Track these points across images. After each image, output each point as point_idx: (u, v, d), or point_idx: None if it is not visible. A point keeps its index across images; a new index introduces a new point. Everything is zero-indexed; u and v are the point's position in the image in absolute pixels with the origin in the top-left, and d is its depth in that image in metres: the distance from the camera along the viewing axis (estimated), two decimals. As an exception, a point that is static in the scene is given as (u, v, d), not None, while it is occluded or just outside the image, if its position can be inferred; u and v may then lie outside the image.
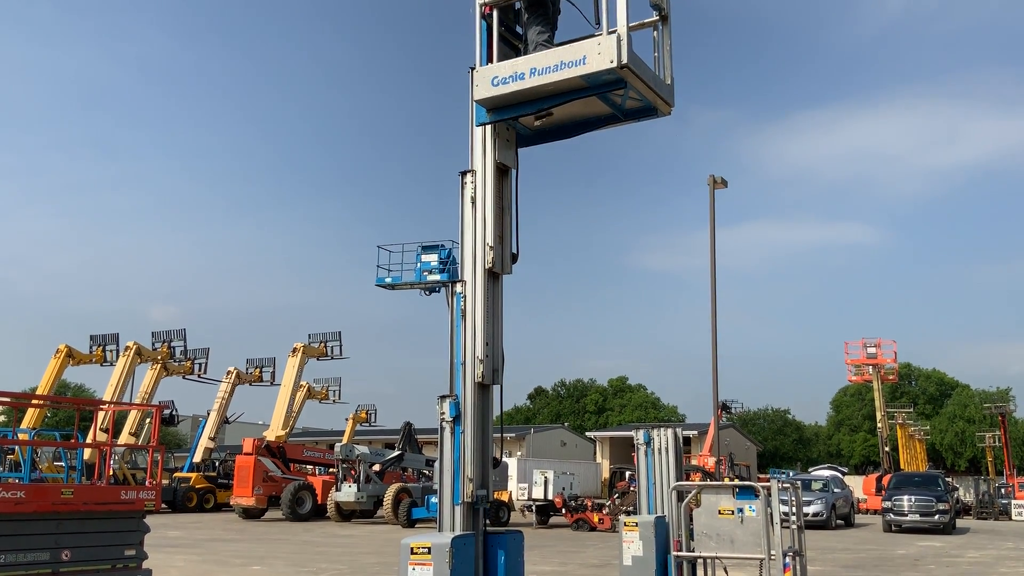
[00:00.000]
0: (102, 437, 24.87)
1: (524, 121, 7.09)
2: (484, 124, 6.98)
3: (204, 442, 40.06)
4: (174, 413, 39.99)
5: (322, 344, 41.23)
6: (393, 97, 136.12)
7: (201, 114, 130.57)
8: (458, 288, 7.01)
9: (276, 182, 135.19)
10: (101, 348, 38.23)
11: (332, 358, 41.91)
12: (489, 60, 6.94)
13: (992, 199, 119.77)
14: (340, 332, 41.95)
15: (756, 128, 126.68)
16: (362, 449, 31.64)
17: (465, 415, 6.69)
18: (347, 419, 52.83)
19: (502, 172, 7.13)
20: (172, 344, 40.19)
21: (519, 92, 6.64)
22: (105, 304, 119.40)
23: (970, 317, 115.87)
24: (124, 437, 36.01)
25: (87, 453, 21.87)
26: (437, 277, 29.08)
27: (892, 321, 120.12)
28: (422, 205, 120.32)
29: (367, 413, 53.66)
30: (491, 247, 6.81)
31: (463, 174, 7.16)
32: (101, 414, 23.65)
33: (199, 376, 41.40)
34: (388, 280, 29.62)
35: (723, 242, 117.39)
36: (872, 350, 50.73)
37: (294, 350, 39.34)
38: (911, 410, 60.81)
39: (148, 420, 36.52)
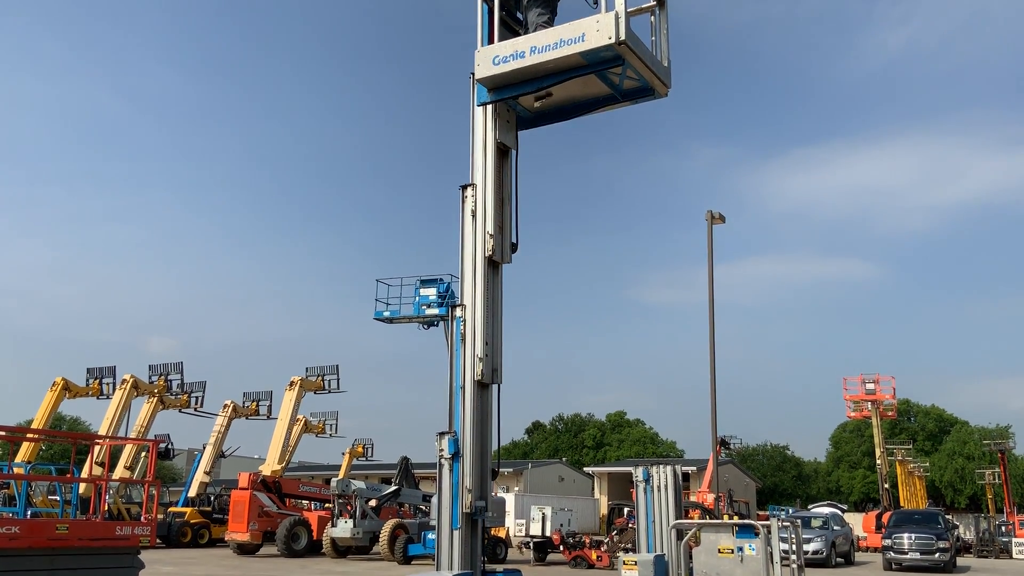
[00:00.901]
0: (98, 471, 24.77)
1: (524, 103, 7.16)
2: (485, 104, 7.03)
3: (199, 476, 39.75)
4: (170, 447, 39.74)
5: (319, 378, 41.06)
6: (391, 128, 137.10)
7: (197, 146, 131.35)
8: (458, 312, 7.01)
9: (274, 214, 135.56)
10: (98, 381, 38.07)
11: (329, 392, 41.71)
12: (490, 42, 7.03)
13: (992, 236, 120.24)
14: (337, 366, 41.78)
15: (757, 164, 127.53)
16: (358, 484, 31.41)
17: (464, 417, 6.66)
18: (344, 453, 52.48)
19: (502, 153, 7.16)
20: (169, 377, 40.04)
21: (520, 70, 6.72)
22: (103, 336, 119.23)
23: (969, 353, 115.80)
24: (119, 471, 35.74)
25: (82, 487, 21.72)
26: (435, 311, 29.13)
27: (891, 357, 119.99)
28: (421, 238, 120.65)
29: (364, 447, 53.31)
30: (491, 235, 6.83)
31: (463, 188, 7.21)
32: (97, 448, 23.59)
33: (195, 410, 41.20)
34: (387, 314, 29.65)
35: (723, 277, 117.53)
36: (871, 386, 50.60)
37: (291, 384, 39.18)
38: (910, 446, 60.53)
39: (144, 454, 36.30)
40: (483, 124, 7.16)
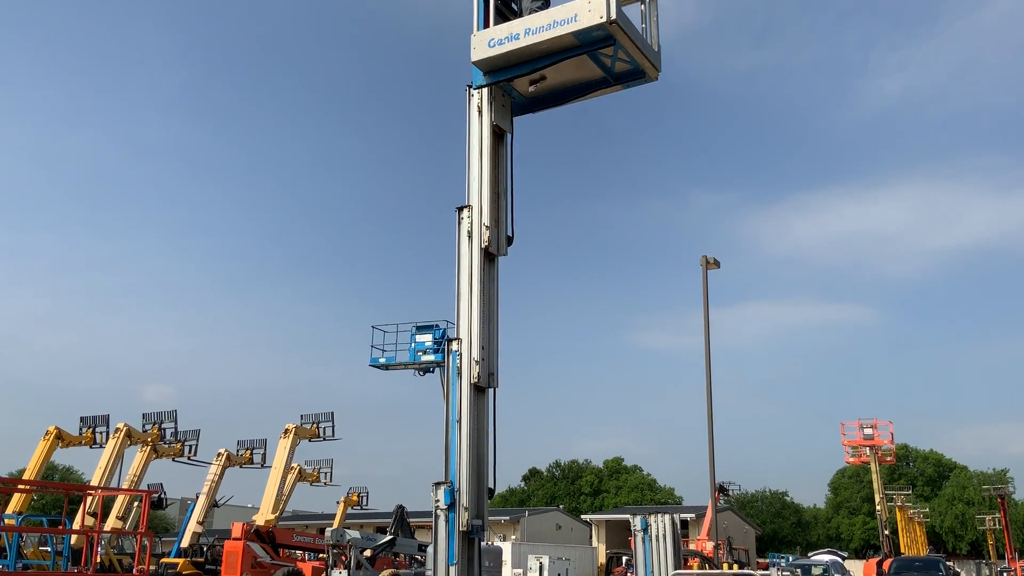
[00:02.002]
0: (90, 522, 24.48)
1: (519, 88, 7.26)
2: (480, 87, 7.12)
3: (192, 526, 39.22)
4: (162, 496, 39.31)
5: (314, 425, 40.74)
6: (384, 173, 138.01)
7: (190, 193, 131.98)
8: (454, 347, 7.00)
9: (268, 260, 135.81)
10: (91, 430, 37.73)
11: (324, 439, 41.38)
12: (486, 27, 7.15)
13: (989, 281, 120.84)
14: (333, 413, 41.52)
15: (755, 209, 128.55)
16: (353, 534, 31.01)
17: (461, 423, 6.59)
18: (338, 502, 51.92)
19: (498, 137, 7.22)
20: (163, 426, 39.69)
21: (514, 52, 6.86)
22: (97, 384, 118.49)
23: (966, 397, 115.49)
24: (111, 521, 35.29)
25: (74, 538, 21.44)
26: (431, 357, 29.07)
27: (888, 401, 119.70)
28: (416, 284, 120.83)
29: (359, 496, 52.76)
30: (487, 227, 6.85)
31: (459, 209, 7.25)
32: (89, 498, 23.34)
33: (189, 458, 40.78)
34: (382, 360, 29.60)
35: (722, 321, 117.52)
36: (869, 431, 50.36)
37: (286, 431, 38.88)
38: (910, 492, 60.10)
39: (136, 503, 35.87)
40: (478, 109, 7.23)
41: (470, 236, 7.11)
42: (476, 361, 6.75)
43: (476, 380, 6.71)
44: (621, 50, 6.78)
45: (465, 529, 6.49)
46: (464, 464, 6.65)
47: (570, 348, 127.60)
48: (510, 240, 7.22)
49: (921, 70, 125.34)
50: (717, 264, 30.20)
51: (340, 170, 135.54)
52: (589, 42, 6.68)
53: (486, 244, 6.92)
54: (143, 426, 39.01)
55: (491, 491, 7.10)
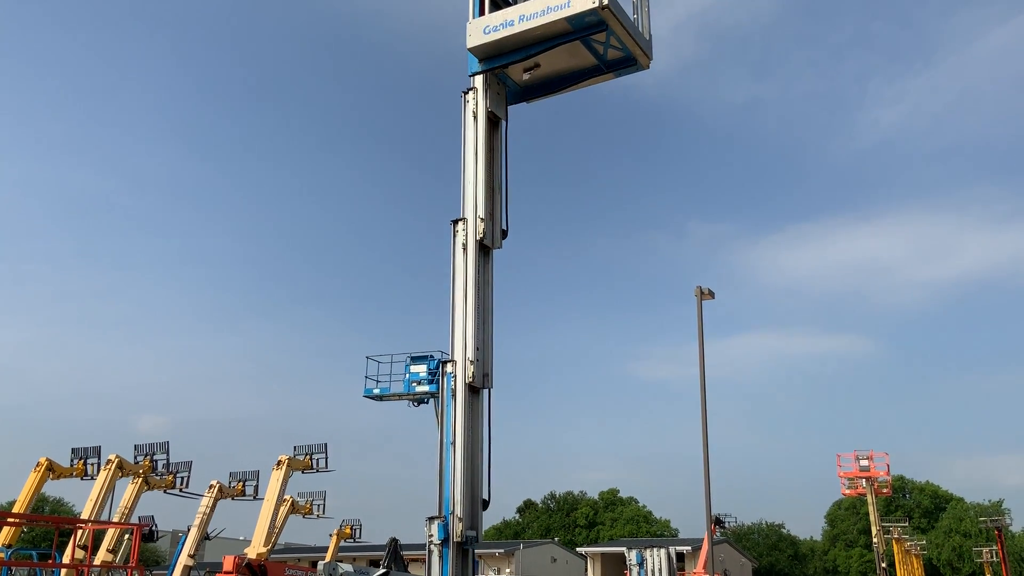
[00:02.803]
0: (80, 555, 24.21)
1: (514, 76, 7.35)
2: (476, 74, 7.19)
3: (183, 559, 38.76)
4: (154, 529, 38.89)
5: (307, 456, 40.43)
6: (378, 205, 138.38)
7: (185, 223, 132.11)
8: (449, 368, 6.98)
9: (261, 289, 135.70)
10: (82, 461, 37.43)
11: (317, 471, 41.07)
12: (481, 15, 7.23)
13: (985, 311, 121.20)
14: (326, 444, 41.23)
15: (753, 240, 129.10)
16: (346, 567, 30.61)
17: (456, 432, 6.53)
18: (331, 535, 51.42)
19: (493, 124, 7.27)
20: (155, 457, 39.41)
21: (509, 38, 6.99)
22: (89, 415, 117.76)
23: (962, 428, 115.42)
24: (102, 554, 34.90)
25: (64, 572, 21.21)
26: (426, 388, 28.98)
27: (884, 432, 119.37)
28: (412, 312, 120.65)
29: (352, 528, 52.24)
30: (482, 219, 6.88)
31: (455, 222, 7.30)
32: (80, 531, 23.11)
33: (181, 490, 40.41)
34: (376, 391, 29.53)
35: (720, 352, 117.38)
36: (865, 463, 50.20)
37: (279, 463, 38.58)
38: (906, 524, 59.77)
39: (127, 536, 35.50)
40: (473, 99, 7.28)
41: (464, 248, 7.17)
42: (471, 361, 6.75)
43: (471, 380, 6.70)
44: (613, 36, 6.91)
45: (459, 540, 6.45)
46: (459, 474, 6.61)
47: (567, 378, 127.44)
48: (504, 234, 7.29)
49: (917, 102, 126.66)
50: (712, 295, 30.23)
51: (331, 198, 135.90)
52: (582, 27, 6.82)
53: (481, 236, 6.98)
54: (135, 457, 38.70)
55: (485, 502, 7.07)
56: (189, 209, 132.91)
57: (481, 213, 7.07)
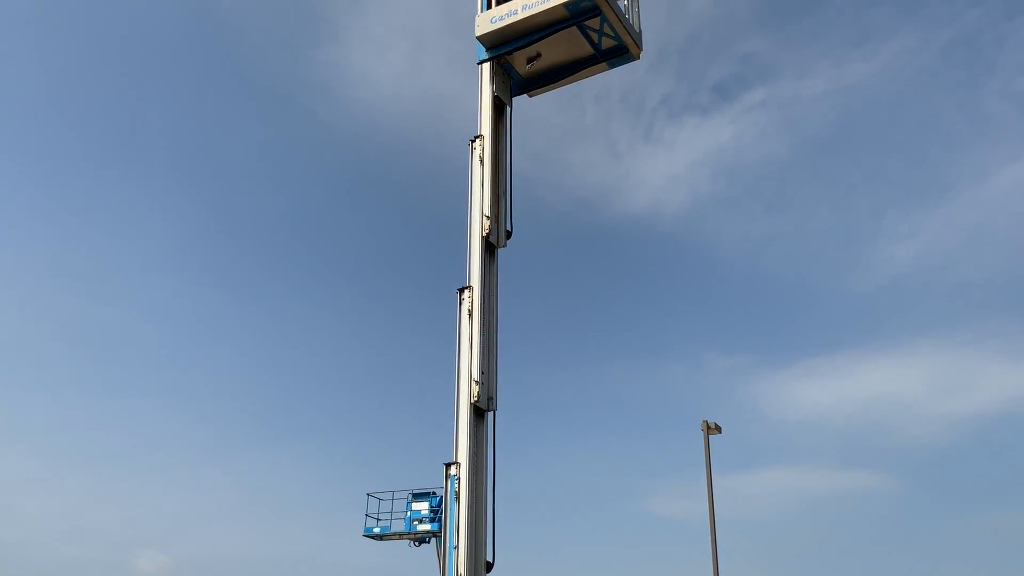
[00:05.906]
0: None
1: (517, 67, 7.91)
2: (483, 61, 7.76)
3: None
4: None
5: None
6: (378, 335, 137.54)
7: (187, 352, 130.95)
8: (452, 471, 6.93)
9: (259, 421, 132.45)
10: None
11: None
12: (488, 9, 7.92)
13: (1007, 446, 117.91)
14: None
15: (768, 373, 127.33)
16: None
17: (460, 536, 6.35)
18: None
19: (498, 110, 7.67)
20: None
21: (513, 26, 7.73)
22: (86, 553, 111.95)
23: (988, 567, 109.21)
24: None
25: None
26: (428, 527, 28.09)
27: (906, 572, 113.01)
28: (411, 447, 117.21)
29: None
30: (487, 217, 7.00)
31: (460, 290, 7.47)
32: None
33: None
34: (377, 530, 28.65)
35: (735, 488, 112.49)
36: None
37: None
38: None
39: None
40: (479, 89, 7.76)
41: (470, 314, 7.34)
42: (476, 382, 6.75)
43: (475, 400, 6.67)
44: (606, 23, 7.63)
45: None
46: (463, 517, 6.48)
47: (575, 514, 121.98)
48: (509, 234, 7.54)
49: (933, 237, 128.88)
50: (718, 429, 29.77)
51: (334, 330, 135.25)
52: (578, 12, 7.56)
53: (486, 233, 7.19)
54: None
55: (489, 565, 6.87)
56: (190, 337, 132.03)
57: (487, 211, 7.41)
